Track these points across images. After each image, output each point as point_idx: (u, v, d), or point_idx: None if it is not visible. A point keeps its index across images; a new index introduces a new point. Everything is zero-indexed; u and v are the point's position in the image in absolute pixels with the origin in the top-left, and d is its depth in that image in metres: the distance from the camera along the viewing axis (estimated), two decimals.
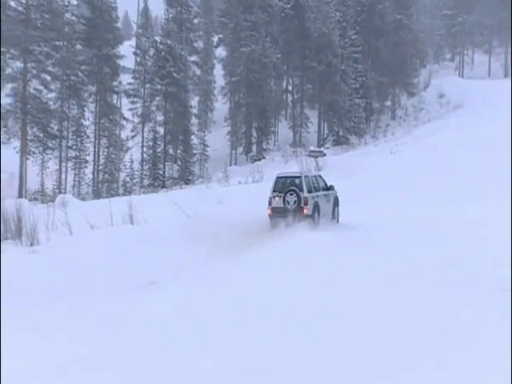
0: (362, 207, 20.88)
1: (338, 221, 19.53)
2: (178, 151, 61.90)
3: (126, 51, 62.48)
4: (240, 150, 66.19)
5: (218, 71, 76.04)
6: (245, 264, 11.71)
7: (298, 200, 17.47)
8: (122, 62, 60.23)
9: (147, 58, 63.60)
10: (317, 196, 18.32)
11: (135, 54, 66.07)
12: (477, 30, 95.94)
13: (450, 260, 11.00)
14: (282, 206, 17.56)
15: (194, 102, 70.52)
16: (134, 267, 12.70)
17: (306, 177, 18.36)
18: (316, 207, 17.95)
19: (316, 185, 18.83)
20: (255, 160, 60.15)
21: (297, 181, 18.03)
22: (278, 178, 18.42)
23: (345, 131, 69.73)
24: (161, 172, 59.62)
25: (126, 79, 62.80)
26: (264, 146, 65.77)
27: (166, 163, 60.42)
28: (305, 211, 17.46)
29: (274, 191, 17.91)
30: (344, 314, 7.95)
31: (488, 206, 17.27)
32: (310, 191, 17.97)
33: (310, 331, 7.33)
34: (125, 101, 63.27)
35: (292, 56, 71.55)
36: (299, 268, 11.11)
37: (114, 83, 59.92)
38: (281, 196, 17.63)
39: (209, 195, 27.34)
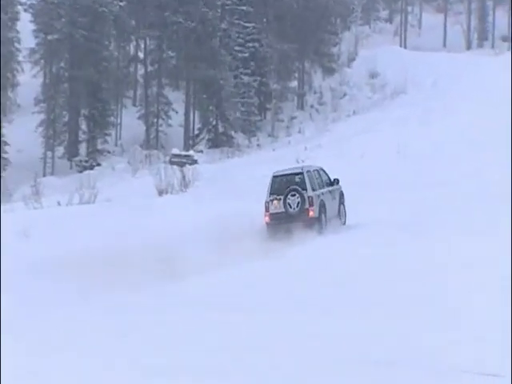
0: None
1: (344, 222, 23.77)
2: None
3: None
4: (60, 151, 65.30)
5: (25, 25, 74.82)
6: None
7: (301, 201, 21.67)
8: None
9: None
10: (322, 194, 22.97)
11: None
12: None
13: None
14: (282, 210, 22.01)
15: None
16: None
17: (308, 172, 22.88)
18: (322, 207, 22.53)
19: (319, 180, 23.52)
20: (84, 168, 59.56)
21: (298, 178, 22.50)
22: (274, 177, 22.94)
23: (227, 126, 70.42)
24: None
25: None
26: (99, 147, 65.32)
27: None
28: (310, 213, 21.99)
29: (270, 194, 22.40)
30: None
31: (450, 248, 17.72)
32: (313, 189, 22.52)
33: None
34: None
35: (144, 5, 71.69)
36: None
37: None
38: (280, 199, 22.07)
39: (9, 223, 26.88)
